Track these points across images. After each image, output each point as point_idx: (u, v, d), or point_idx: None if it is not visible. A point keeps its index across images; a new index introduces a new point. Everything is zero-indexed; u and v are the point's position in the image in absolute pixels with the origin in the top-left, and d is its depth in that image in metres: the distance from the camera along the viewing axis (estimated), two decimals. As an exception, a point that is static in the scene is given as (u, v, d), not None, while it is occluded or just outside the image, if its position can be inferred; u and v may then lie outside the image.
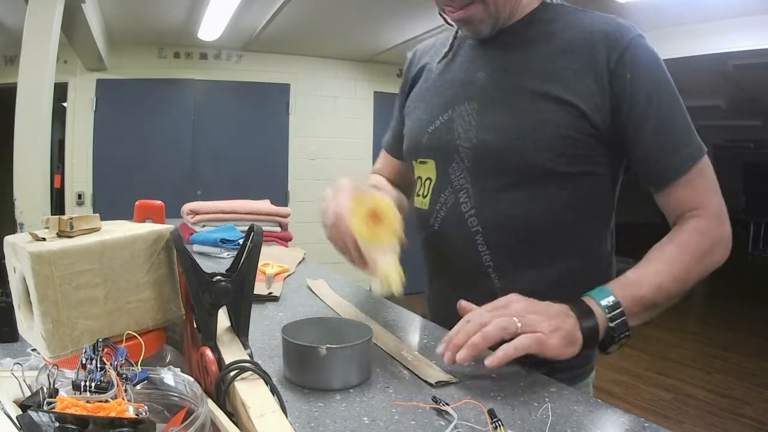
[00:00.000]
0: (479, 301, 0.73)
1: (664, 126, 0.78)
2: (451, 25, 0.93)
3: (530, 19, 0.85)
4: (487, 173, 0.83)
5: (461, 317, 0.73)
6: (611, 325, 0.72)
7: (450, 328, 0.80)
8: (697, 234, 0.78)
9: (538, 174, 0.80)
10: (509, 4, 0.82)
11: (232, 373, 0.50)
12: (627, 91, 0.77)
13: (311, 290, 1.09)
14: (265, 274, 1.14)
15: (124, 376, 0.42)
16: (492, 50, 0.86)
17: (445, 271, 0.86)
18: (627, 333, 0.73)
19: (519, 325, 0.65)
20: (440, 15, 0.89)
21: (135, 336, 0.52)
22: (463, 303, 0.74)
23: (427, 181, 0.91)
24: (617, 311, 0.72)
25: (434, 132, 0.89)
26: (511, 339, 0.65)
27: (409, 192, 1.06)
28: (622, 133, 0.79)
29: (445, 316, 0.89)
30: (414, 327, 0.89)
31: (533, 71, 0.81)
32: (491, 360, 0.63)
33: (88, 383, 0.40)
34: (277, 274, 1.18)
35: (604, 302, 0.73)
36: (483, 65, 0.86)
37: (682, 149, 0.78)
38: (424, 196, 0.92)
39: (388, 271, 0.70)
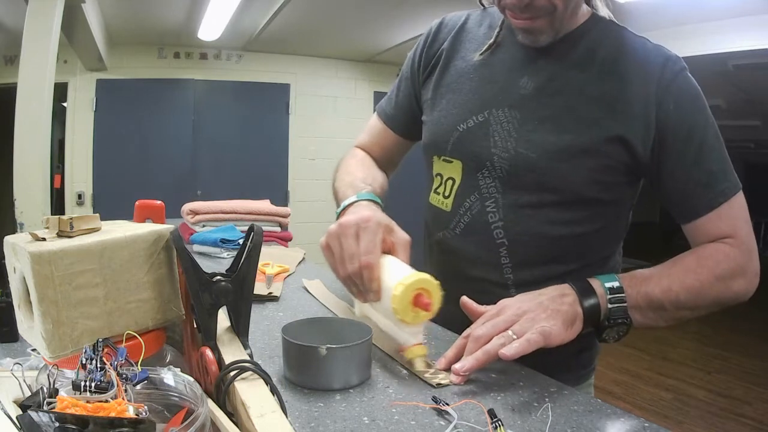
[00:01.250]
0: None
1: (701, 161, 0.77)
2: (484, 7, 0.91)
3: (581, 33, 0.82)
4: (520, 188, 0.82)
5: (465, 314, 0.74)
6: (610, 306, 0.72)
7: (453, 331, 0.82)
8: (719, 254, 0.78)
9: (574, 198, 0.80)
10: (572, 19, 0.81)
11: (232, 373, 0.50)
12: (670, 122, 0.77)
13: (307, 290, 1.08)
14: (265, 274, 1.14)
15: (124, 376, 0.42)
16: (540, 57, 0.82)
17: (459, 277, 0.84)
18: (625, 320, 0.73)
19: (515, 337, 0.66)
20: (480, 3, 0.88)
21: (135, 336, 0.52)
22: (465, 300, 0.74)
23: (449, 181, 0.88)
24: (618, 295, 0.73)
25: (466, 133, 0.85)
26: None
27: (389, 170, 1.05)
28: (659, 164, 0.79)
29: (450, 319, 0.88)
30: (414, 327, 0.89)
31: (584, 95, 0.79)
32: (508, 349, 0.63)
33: (88, 383, 0.40)
34: (277, 274, 1.18)
35: (608, 284, 0.74)
36: (529, 71, 0.82)
37: (717, 185, 0.77)
38: (446, 197, 0.89)
39: (417, 352, 0.68)
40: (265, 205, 1.75)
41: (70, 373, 0.42)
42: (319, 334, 0.71)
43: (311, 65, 5.05)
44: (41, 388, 0.40)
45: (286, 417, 0.45)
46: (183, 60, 4.66)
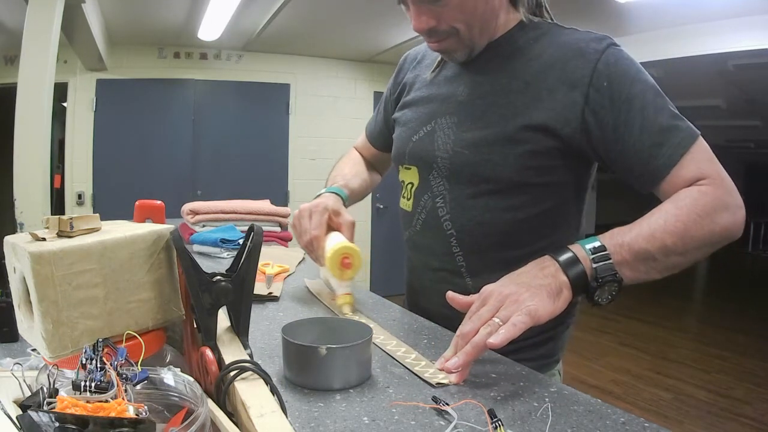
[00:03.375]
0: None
1: (648, 124, 0.78)
2: None
3: (507, 39, 0.89)
4: (461, 182, 0.90)
5: (447, 309, 0.76)
6: (595, 266, 0.72)
7: (435, 321, 0.89)
8: (696, 192, 0.76)
9: (508, 184, 0.86)
10: (485, 34, 0.88)
11: (232, 373, 0.50)
12: (606, 100, 0.79)
13: (309, 291, 1.09)
14: (265, 274, 1.14)
15: (124, 376, 0.42)
16: (473, 67, 0.92)
17: (424, 269, 0.93)
18: (613, 276, 0.72)
19: (501, 324, 0.66)
20: None
21: (135, 336, 0.52)
22: (450, 294, 0.75)
23: (410, 185, 0.99)
24: (602, 253, 0.73)
25: (417, 142, 0.96)
26: None
27: (381, 169, 1.26)
28: (605, 144, 0.80)
29: (420, 311, 0.97)
30: (414, 326, 0.89)
31: (509, 91, 0.86)
32: (495, 337, 0.63)
33: (88, 383, 0.40)
34: (277, 274, 1.18)
35: (588, 245, 0.74)
36: (464, 81, 0.92)
37: (672, 140, 0.77)
38: (408, 199, 1.00)
39: (345, 300, 0.91)
40: (265, 205, 1.75)
41: (70, 373, 0.42)
42: (319, 334, 0.71)
43: (311, 65, 5.05)
44: (41, 388, 0.40)
45: (286, 417, 0.45)
46: (183, 60, 4.66)
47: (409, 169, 0.99)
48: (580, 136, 0.81)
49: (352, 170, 1.17)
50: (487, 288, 0.72)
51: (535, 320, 0.66)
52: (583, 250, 0.73)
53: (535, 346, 0.91)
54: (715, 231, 0.75)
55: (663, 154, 0.77)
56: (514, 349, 0.70)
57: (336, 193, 1.04)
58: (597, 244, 0.74)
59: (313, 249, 0.95)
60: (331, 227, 0.97)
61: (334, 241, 0.92)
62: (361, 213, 5.05)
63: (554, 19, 0.92)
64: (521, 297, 0.68)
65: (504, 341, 0.63)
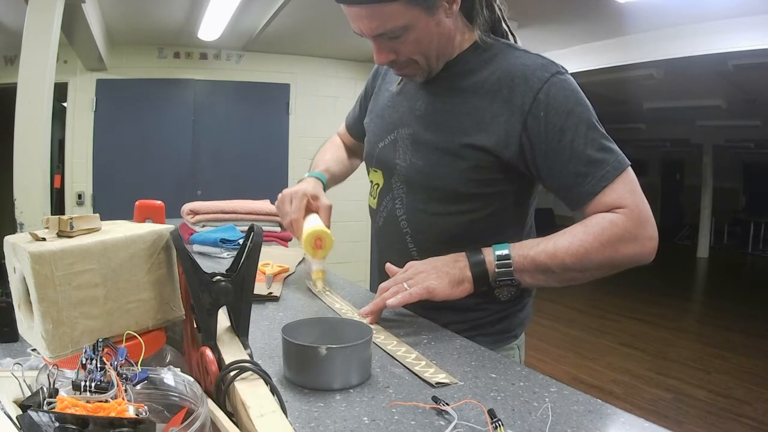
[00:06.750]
0: None
1: (577, 155, 0.85)
2: None
3: (462, 60, 0.96)
4: (416, 188, 1.00)
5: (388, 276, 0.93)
6: (497, 270, 0.87)
7: None
8: (605, 221, 0.84)
9: (454, 193, 0.95)
10: (442, 59, 0.95)
11: (232, 373, 0.50)
12: (542, 128, 0.86)
13: (311, 290, 1.09)
14: (265, 274, 1.14)
15: (124, 376, 0.42)
16: (430, 85, 1.00)
17: (385, 260, 1.01)
18: (510, 281, 0.87)
19: (407, 288, 0.85)
20: None
21: (135, 336, 0.52)
22: (388, 265, 0.96)
23: (376, 186, 1.11)
24: (505, 261, 0.87)
25: (383, 149, 1.07)
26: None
27: (360, 156, 1.32)
28: (537, 165, 0.88)
29: None
30: (414, 326, 0.89)
31: (458, 110, 0.94)
32: (391, 301, 0.84)
33: (88, 383, 0.40)
34: (277, 274, 1.18)
35: (498, 252, 0.88)
36: (422, 97, 1.01)
37: (597, 172, 0.85)
38: (374, 197, 1.11)
39: (317, 275, 1.06)
40: (265, 205, 1.75)
41: (70, 373, 0.42)
42: (319, 334, 0.71)
43: (311, 65, 5.05)
44: (41, 388, 0.40)
45: (286, 417, 0.46)
46: (183, 60, 4.65)
47: (377, 171, 1.10)
48: (517, 157, 0.89)
49: (334, 155, 1.31)
50: (411, 263, 0.93)
51: (431, 296, 0.85)
52: (492, 255, 0.88)
53: (491, 324, 1.01)
54: (615, 258, 0.84)
55: (587, 183, 0.85)
56: (472, 326, 0.93)
57: (317, 178, 1.17)
58: (505, 252, 0.87)
59: (293, 229, 1.08)
60: (310, 210, 1.09)
61: (310, 225, 1.04)
62: (363, 213, 5.07)
63: (515, 33, 0.99)
64: (429, 275, 0.87)
65: (399, 303, 0.84)
